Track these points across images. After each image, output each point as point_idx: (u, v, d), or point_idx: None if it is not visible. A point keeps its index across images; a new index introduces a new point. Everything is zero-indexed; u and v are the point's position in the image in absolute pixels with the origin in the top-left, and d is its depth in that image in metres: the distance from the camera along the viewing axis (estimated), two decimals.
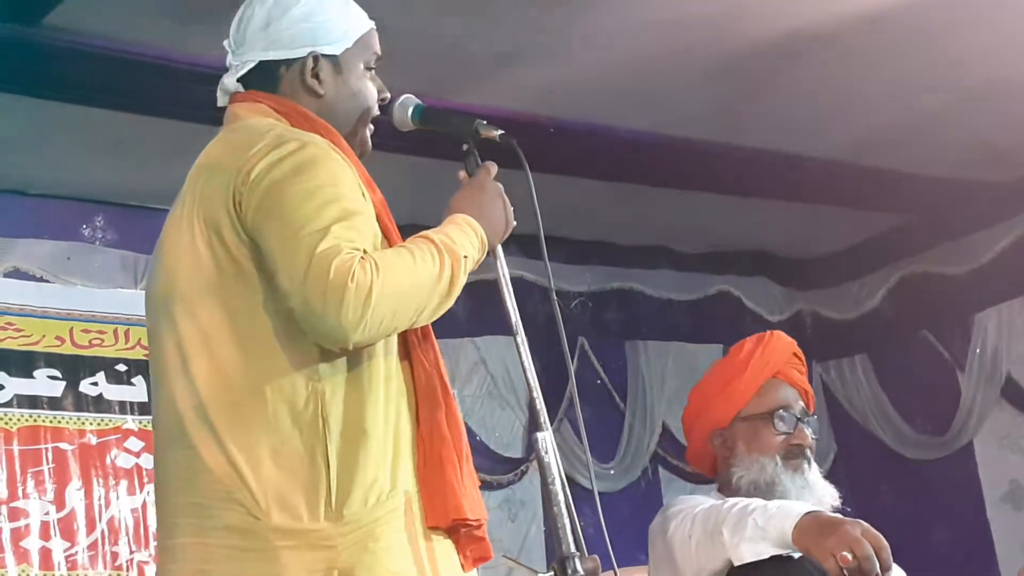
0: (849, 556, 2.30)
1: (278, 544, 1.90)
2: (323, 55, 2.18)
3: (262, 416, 1.93)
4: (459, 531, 2.01)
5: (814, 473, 2.83)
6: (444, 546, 2.01)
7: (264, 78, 2.19)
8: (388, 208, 2.11)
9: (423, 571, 1.97)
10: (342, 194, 1.96)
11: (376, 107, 2.23)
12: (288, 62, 2.18)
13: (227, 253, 1.99)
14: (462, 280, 2.00)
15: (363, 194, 2.03)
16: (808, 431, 2.85)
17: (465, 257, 2.01)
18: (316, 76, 2.17)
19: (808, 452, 2.83)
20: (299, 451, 1.93)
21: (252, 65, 2.19)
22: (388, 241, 2.04)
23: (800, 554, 2.51)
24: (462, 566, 2.04)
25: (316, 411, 1.94)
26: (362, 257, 1.88)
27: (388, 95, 2.25)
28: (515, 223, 2.17)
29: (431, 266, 1.95)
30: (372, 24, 2.25)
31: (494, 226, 2.12)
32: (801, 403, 2.89)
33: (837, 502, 2.81)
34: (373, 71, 2.24)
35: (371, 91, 2.22)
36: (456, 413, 2.05)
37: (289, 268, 1.90)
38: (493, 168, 2.17)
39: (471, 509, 2.00)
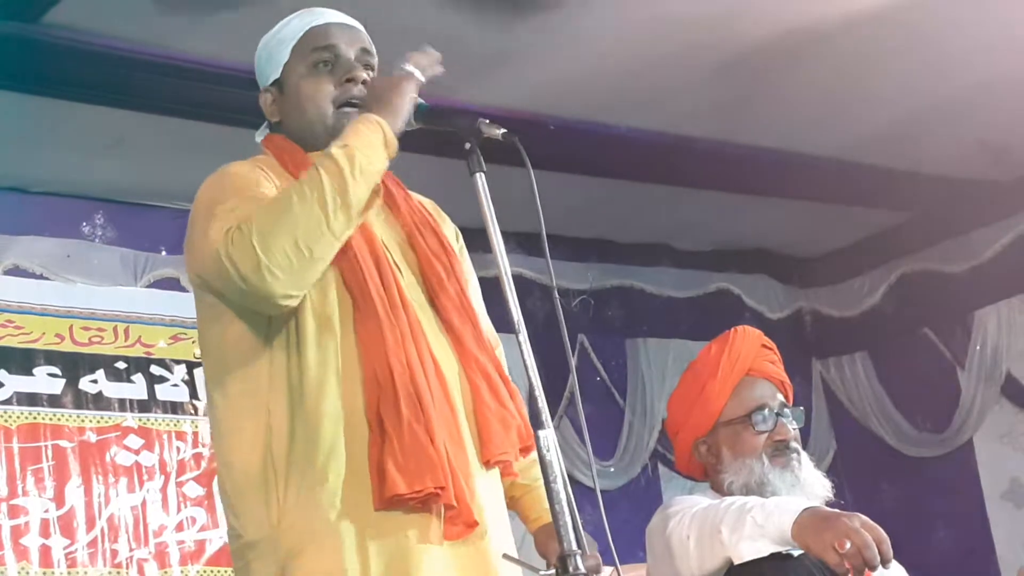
0: (847, 544, 2.30)
1: (249, 556, 2.12)
2: (268, 87, 2.32)
3: (237, 446, 2.12)
4: (407, 504, 2.05)
5: (804, 466, 2.80)
6: (397, 523, 2.06)
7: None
8: None
9: (349, 556, 2.03)
10: (233, 201, 2.10)
11: (333, 95, 2.26)
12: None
13: (199, 302, 2.21)
14: (351, 166, 2.05)
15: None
16: (789, 424, 2.82)
17: (341, 147, 2.07)
18: (273, 106, 2.31)
19: (793, 444, 2.80)
20: (259, 467, 2.09)
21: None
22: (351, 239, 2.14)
23: (800, 551, 2.51)
24: (450, 535, 2.08)
25: (266, 426, 2.09)
26: (237, 224, 2.02)
27: (354, 72, 2.27)
28: (405, 70, 2.19)
29: (307, 182, 2.04)
30: (307, 27, 2.30)
31: (377, 101, 2.16)
32: (779, 396, 2.86)
33: (830, 494, 2.79)
34: (328, 63, 2.27)
35: (314, 88, 2.27)
36: (395, 392, 2.07)
37: (204, 271, 2.10)
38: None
39: (410, 483, 2.03)
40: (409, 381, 2.09)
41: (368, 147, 2.09)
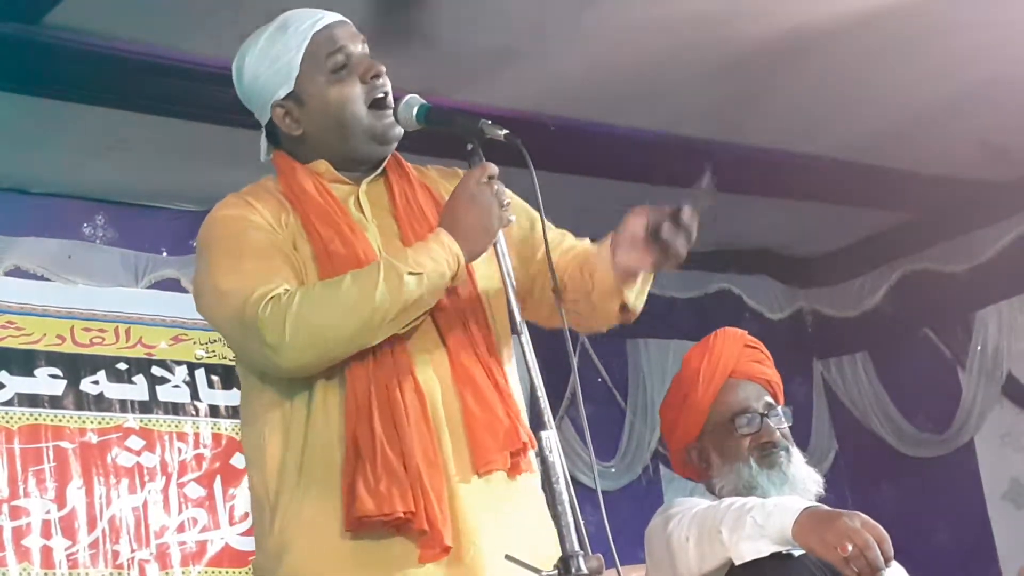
0: (849, 547, 2.30)
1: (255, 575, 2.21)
2: (281, 100, 2.26)
3: (250, 473, 2.20)
4: (377, 526, 2.06)
5: (795, 463, 2.79)
6: (370, 545, 2.07)
7: (273, 138, 2.33)
8: (338, 218, 2.20)
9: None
10: (241, 255, 2.13)
11: (364, 98, 2.24)
12: (270, 122, 2.30)
13: None
14: (411, 295, 2.06)
15: (273, 227, 2.18)
16: (776, 424, 2.81)
17: (415, 274, 2.06)
18: (290, 119, 2.26)
19: (782, 443, 2.79)
20: (260, 494, 2.16)
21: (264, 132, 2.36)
22: (330, 253, 2.16)
23: (800, 551, 2.51)
24: (425, 558, 2.07)
25: (262, 449, 2.14)
26: (282, 292, 2.05)
27: (377, 69, 2.26)
28: (510, 220, 2.17)
29: (364, 287, 2.04)
30: (314, 29, 2.26)
31: (469, 233, 2.14)
32: (765, 397, 2.85)
33: (821, 489, 2.79)
34: (344, 65, 2.25)
35: (344, 93, 2.24)
36: (371, 414, 2.08)
37: (224, 328, 2.16)
38: (477, 172, 2.16)
39: (380, 504, 2.04)
40: (386, 402, 2.10)
41: (439, 282, 2.10)
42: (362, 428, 2.08)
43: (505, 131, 2.15)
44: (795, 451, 2.82)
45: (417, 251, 2.11)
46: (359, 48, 2.28)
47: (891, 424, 7.18)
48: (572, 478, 1.99)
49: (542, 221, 2.18)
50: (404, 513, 2.04)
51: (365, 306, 2.04)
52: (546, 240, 2.20)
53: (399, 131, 2.27)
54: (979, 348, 6.87)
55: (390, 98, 2.27)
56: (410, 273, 2.06)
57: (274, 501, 2.12)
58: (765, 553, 2.48)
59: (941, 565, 6.26)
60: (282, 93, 2.26)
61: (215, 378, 5.45)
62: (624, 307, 2.27)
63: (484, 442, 2.15)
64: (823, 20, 4.78)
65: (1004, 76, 5.35)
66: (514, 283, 2.14)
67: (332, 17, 2.30)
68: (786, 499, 2.59)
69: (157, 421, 5.31)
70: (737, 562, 2.50)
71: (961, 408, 6.92)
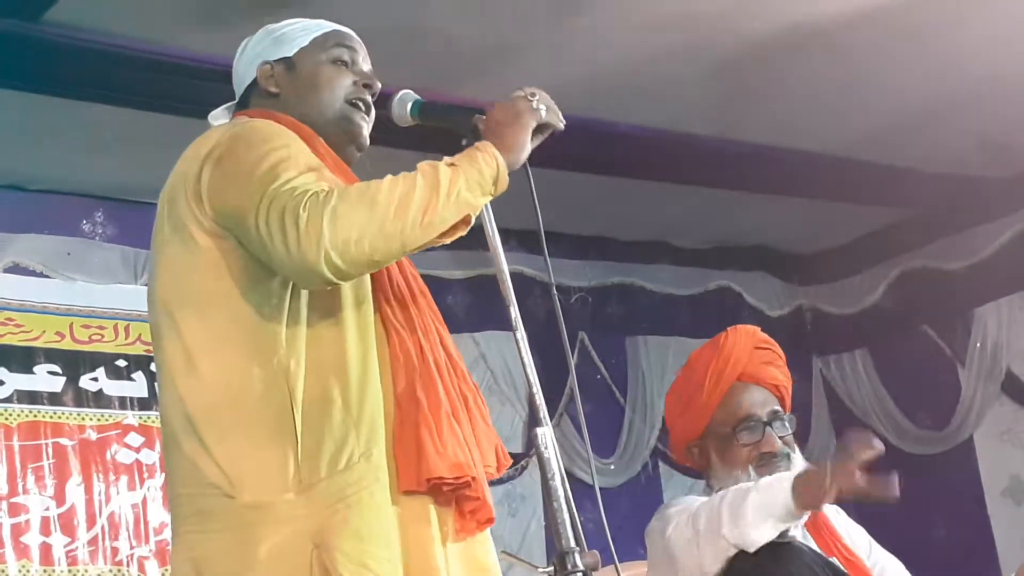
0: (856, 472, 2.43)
1: (251, 519, 1.94)
2: (274, 60, 2.28)
3: (235, 401, 1.98)
4: (441, 492, 2.01)
5: (795, 470, 2.77)
6: (421, 510, 2.01)
7: (242, 105, 2.32)
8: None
9: (391, 536, 1.97)
10: (290, 150, 2.03)
11: (347, 89, 2.26)
12: (252, 84, 2.29)
13: (195, 247, 2.04)
14: (452, 191, 1.98)
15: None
16: (778, 432, 2.80)
17: (452, 165, 2.00)
18: (273, 78, 2.27)
19: (782, 452, 2.78)
20: (269, 426, 1.97)
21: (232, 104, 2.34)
22: None
23: (796, 539, 2.53)
24: (462, 530, 2.05)
25: (283, 385, 1.97)
26: (318, 190, 1.93)
27: (372, 81, 2.27)
28: (560, 125, 2.14)
29: (400, 188, 1.95)
30: (332, 27, 2.31)
31: (505, 134, 2.09)
32: (771, 404, 2.84)
33: None
34: (345, 63, 2.28)
35: (334, 76, 2.26)
36: (432, 376, 2.04)
37: (250, 216, 1.95)
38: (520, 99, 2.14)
39: (451, 468, 1.99)
40: (444, 366, 2.08)
41: (476, 176, 2.02)
42: (426, 385, 2.03)
43: None
44: (796, 457, 2.82)
45: (462, 158, 2.05)
46: (367, 68, 2.31)
47: (890, 421, 7.19)
48: (571, 475, 2.00)
49: (538, 219, 2.16)
50: (470, 478, 2.01)
51: (404, 201, 1.93)
52: (543, 240, 2.20)
53: (366, 141, 2.27)
54: (978, 345, 6.87)
55: (370, 112, 2.27)
56: (446, 163, 2.01)
57: (316, 445, 1.95)
58: (775, 534, 2.49)
59: (941, 562, 6.26)
60: (280, 55, 2.29)
61: None
62: None
63: (483, 444, 2.12)
64: (821, 17, 4.78)
65: (1003, 73, 5.35)
66: (509, 281, 2.13)
67: (357, 38, 2.33)
68: (770, 479, 2.59)
69: (156, 418, 5.31)
70: (750, 550, 2.51)
71: (960, 405, 6.93)
